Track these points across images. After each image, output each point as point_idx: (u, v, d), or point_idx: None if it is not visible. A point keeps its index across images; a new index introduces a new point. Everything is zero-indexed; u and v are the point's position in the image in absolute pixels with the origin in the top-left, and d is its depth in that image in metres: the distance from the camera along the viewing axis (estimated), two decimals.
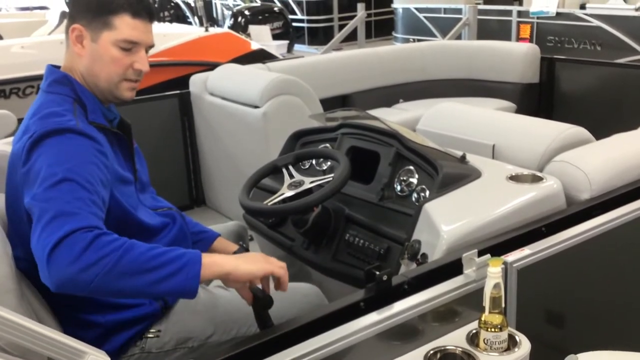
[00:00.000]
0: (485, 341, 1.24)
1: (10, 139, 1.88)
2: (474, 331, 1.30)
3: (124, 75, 1.61)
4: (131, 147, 1.72)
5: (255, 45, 6.22)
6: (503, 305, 1.23)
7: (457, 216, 1.70)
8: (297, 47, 10.26)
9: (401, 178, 1.98)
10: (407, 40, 8.53)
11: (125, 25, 1.58)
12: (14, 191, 1.50)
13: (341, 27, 9.92)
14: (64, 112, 1.52)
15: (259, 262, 1.46)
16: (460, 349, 1.28)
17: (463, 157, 1.94)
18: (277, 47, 7.41)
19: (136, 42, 1.60)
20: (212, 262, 1.39)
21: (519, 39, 7.16)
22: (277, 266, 1.47)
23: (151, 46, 1.65)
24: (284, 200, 1.91)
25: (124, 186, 1.60)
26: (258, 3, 10.63)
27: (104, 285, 1.28)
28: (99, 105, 1.63)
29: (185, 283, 1.33)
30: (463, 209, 1.74)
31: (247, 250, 2.00)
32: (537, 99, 4.48)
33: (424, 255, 1.66)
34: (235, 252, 1.95)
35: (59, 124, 1.47)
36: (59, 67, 1.65)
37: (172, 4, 9.34)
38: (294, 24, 10.09)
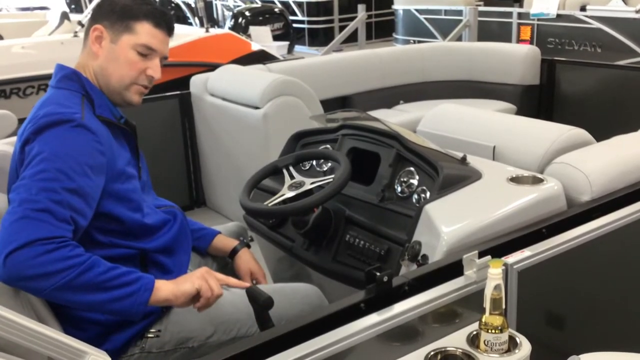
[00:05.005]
0: (486, 342, 1.24)
1: (11, 139, 1.89)
2: (475, 332, 1.30)
3: (136, 79, 1.67)
4: (136, 145, 1.75)
5: (255, 46, 6.21)
6: (503, 306, 1.23)
7: (458, 217, 1.70)
8: (298, 48, 10.25)
9: (402, 179, 1.97)
10: (407, 42, 8.52)
11: (145, 32, 1.66)
12: None
13: (342, 28, 9.92)
14: (71, 105, 1.56)
15: (190, 281, 1.52)
16: (461, 351, 1.28)
17: (463, 159, 1.94)
18: (277, 48, 7.39)
19: (153, 49, 1.67)
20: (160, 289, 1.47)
21: (519, 40, 7.16)
22: (207, 286, 1.52)
23: (165, 58, 1.72)
24: (285, 201, 1.91)
25: (128, 181, 1.62)
26: (258, 4, 10.63)
27: (55, 295, 1.36)
28: (106, 102, 1.67)
29: (131, 308, 1.43)
30: (463, 211, 1.74)
31: (248, 245, 2.00)
32: (538, 100, 4.48)
33: (425, 257, 1.66)
34: (235, 247, 1.95)
35: (64, 114, 1.50)
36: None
37: (173, 4, 9.33)
38: (295, 25, 10.07)
